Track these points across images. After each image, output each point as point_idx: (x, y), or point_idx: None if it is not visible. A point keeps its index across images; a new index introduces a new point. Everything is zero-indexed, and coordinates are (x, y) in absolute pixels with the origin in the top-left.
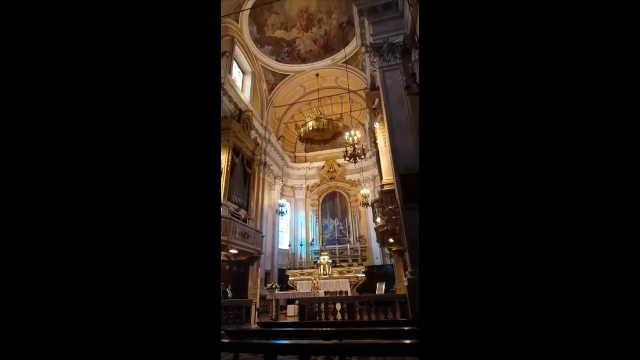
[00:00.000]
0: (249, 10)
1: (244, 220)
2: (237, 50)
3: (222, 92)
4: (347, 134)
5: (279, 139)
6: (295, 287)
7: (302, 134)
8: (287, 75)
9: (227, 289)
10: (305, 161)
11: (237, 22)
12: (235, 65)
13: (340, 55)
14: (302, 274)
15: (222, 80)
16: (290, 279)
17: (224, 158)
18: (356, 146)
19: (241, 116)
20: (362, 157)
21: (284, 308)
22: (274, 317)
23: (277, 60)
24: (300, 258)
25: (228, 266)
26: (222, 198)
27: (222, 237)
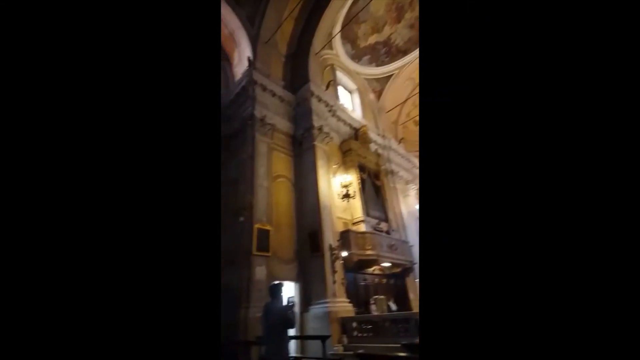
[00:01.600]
0: (339, 34)
1: (387, 232)
2: (339, 75)
3: (336, 118)
4: None
5: (399, 142)
6: None
7: None
8: (392, 75)
9: (390, 302)
10: None
11: (332, 49)
12: (340, 89)
13: None
14: None
15: (333, 106)
16: None
17: (354, 177)
18: None
19: (357, 134)
20: None
21: None
22: None
23: (376, 65)
24: None
25: (385, 280)
26: (361, 214)
27: (372, 252)
